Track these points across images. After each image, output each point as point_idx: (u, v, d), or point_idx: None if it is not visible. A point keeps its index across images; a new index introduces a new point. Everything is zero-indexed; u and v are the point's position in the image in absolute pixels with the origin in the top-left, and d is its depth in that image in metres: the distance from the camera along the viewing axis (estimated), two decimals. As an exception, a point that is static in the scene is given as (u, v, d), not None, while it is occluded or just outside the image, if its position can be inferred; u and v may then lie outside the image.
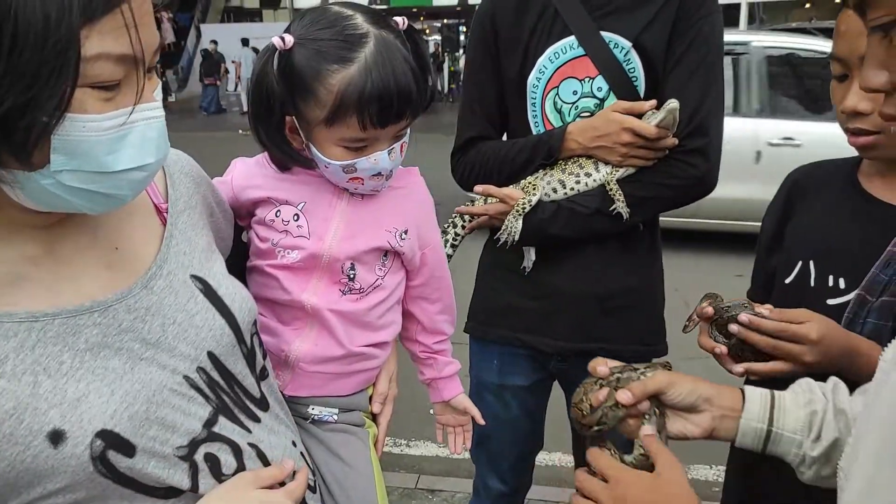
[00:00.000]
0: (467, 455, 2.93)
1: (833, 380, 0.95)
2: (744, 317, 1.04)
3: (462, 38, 20.51)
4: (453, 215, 1.54)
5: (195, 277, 0.83)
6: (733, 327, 1.05)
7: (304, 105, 0.98)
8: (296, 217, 1.06)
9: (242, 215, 1.11)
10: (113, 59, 0.62)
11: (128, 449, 0.71)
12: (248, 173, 1.10)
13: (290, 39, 0.95)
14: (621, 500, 0.82)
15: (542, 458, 2.86)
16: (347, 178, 1.03)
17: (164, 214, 0.84)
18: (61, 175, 0.62)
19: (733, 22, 17.53)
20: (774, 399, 0.94)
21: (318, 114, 0.98)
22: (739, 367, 1.09)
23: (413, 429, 3.15)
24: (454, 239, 1.54)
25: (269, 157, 1.08)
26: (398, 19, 1.01)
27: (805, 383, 0.95)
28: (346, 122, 0.97)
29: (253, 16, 23.70)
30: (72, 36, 0.57)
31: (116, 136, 0.64)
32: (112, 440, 0.69)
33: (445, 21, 21.84)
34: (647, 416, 0.94)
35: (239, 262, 1.10)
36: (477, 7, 1.55)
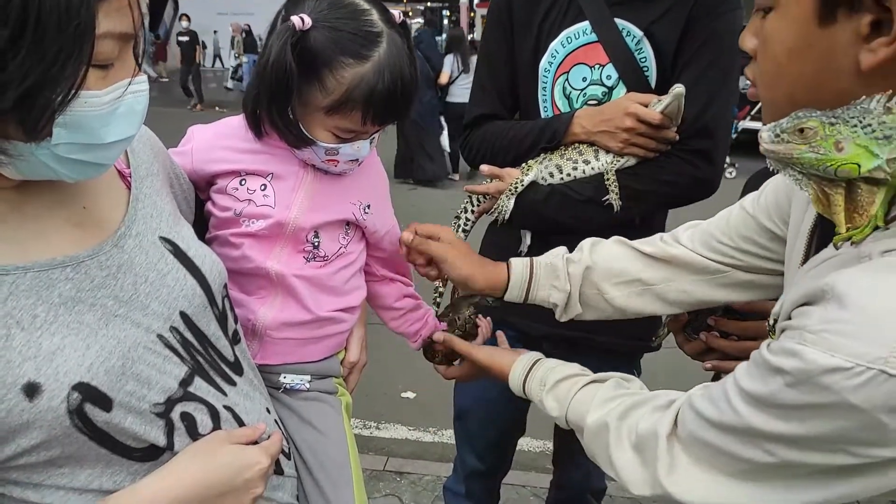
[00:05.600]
0: (436, 439, 2.99)
1: (587, 253, 1.20)
2: (710, 319, 1.17)
3: (445, 21, 20.38)
4: (465, 200, 1.55)
5: (164, 239, 0.83)
6: (701, 335, 1.18)
7: (306, 86, 0.98)
8: (263, 187, 1.06)
9: (202, 187, 1.10)
10: (115, 38, 0.64)
11: (105, 403, 0.71)
12: (210, 145, 1.08)
13: (308, 21, 0.95)
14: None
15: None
16: (326, 158, 1.04)
17: (128, 179, 0.84)
18: (58, 147, 0.64)
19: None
20: (532, 275, 1.21)
21: (320, 99, 0.99)
22: (708, 364, 1.19)
23: (383, 412, 3.16)
24: (465, 223, 1.54)
25: (252, 126, 1.05)
26: (395, 13, 1.02)
27: (557, 266, 1.20)
28: (348, 115, 0.99)
29: (232, -11, 23.13)
30: (91, 18, 0.59)
31: (110, 109, 0.66)
32: (89, 393, 0.69)
33: (429, 4, 21.69)
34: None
35: (203, 235, 1.09)
36: None
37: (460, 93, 7.39)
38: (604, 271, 1.17)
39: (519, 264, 1.23)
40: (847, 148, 0.63)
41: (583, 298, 1.19)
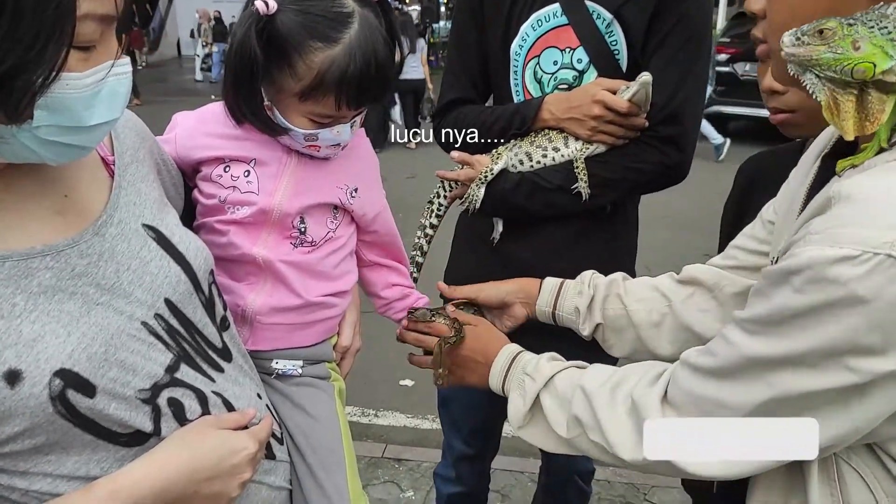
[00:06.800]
0: (435, 426, 2.99)
1: (618, 274, 1.26)
2: None
3: (443, 9, 20.26)
4: (437, 185, 1.54)
5: (147, 227, 0.83)
6: None
7: (277, 72, 0.97)
8: (246, 173, 1.05)
9: (189, 175, 1.10)
10: (97, 20, 0.64)
11: (88, 389, 0.71)
12: (192, 131, 1.07)
13: (273, 5, 0.93)
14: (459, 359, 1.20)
15: (506, 428, 2.90)
16: (306, 144, 1.04)
17: (112, 167, 0.83)
18: (39, 130, 0.63)
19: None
20: (562, 287, 1.28)
21: (292, 85, 0.97)
22: None
23: (381, 399, 3.18)
24: (438, 209, 1.54)
25: (233, 115, 1.05)
26: None
27: (584, 277, 1.27)
28: (321, 100, 0.98)
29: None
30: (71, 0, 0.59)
31: (92, 92, 0.66)
32: (71, 379, 0.69)
33: (426, -9, 21.53)
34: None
35: (191, 223, 1.09)
36: None
37: (409, 70, 8.43)
38: (631, 285, 1.23)
39: (550, 280, 1.30)
40: (864, 47, 0.66)
41: (607, 317, 1.22)
